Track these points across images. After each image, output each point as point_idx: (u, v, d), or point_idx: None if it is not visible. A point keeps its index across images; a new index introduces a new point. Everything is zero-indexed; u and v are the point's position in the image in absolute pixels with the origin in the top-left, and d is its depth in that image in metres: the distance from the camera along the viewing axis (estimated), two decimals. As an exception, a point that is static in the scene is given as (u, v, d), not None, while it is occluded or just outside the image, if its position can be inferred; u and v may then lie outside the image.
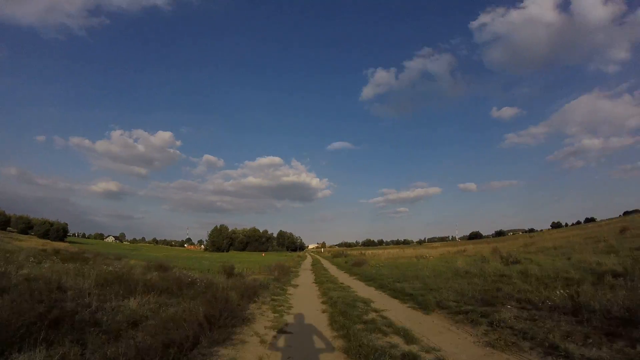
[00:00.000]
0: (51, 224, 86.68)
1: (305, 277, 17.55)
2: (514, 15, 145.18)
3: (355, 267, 21.80)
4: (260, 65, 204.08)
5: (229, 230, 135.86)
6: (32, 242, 46.15)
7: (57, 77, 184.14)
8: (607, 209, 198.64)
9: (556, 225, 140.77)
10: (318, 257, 53.48)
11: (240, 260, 36.55)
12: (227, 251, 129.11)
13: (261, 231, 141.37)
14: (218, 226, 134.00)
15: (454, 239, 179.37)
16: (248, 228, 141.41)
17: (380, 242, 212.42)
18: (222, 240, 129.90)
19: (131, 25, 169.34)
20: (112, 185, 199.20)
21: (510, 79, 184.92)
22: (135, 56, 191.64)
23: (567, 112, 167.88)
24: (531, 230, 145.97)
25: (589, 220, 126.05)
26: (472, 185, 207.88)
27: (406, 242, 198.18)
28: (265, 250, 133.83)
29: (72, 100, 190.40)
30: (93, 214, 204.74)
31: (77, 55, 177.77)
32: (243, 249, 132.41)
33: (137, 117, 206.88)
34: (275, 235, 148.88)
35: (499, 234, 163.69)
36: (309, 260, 40.99)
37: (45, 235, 78.49)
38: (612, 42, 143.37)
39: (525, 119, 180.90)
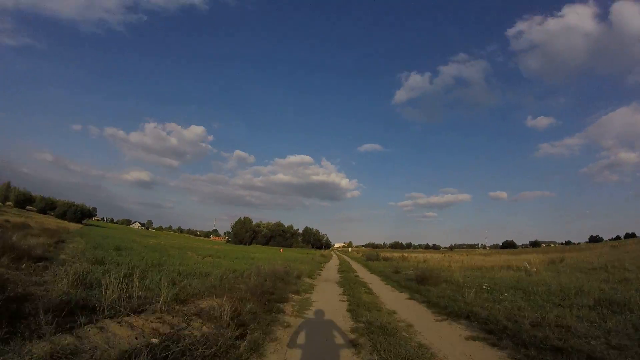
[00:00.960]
0: (71, 206, 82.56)
1: (322, 328, 6.50)
2: (552, 23, 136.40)
3: (427, 288, 10.61)
4: (294, 64, 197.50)
5: (253, 223, 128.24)
6: (34, 220, 38.98)
7: (94, 69, 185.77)
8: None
9: (594, 240, 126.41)
10: (346, 258, 42.77)
11: (245, 255, 26.75)
12: (250, 244, 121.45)
13: (286, 226, 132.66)
14: (242, 218, 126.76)
15: (483, 246, 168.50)
16: (273, 222, 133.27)
17: (409, 245, 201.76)
18: (245, 233, 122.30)
19: (168, 22, 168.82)
20: (144, 175, 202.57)
21: (547, 88, 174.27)
22: (171, 52, 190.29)
23: (604, 124, 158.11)
24: (568, 243, 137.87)
25: (630, 235, 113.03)
26: (502, 194, 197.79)
27: (435, 247, 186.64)
28: (290, 246, 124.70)
29: (108, 92, 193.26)
30: (124, 201, 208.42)
31: (115, 49, 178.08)
32: (266, 243, 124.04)
33: (171, 111, 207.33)
34: (300, 231, 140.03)
35: (534, 244, 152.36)
36: (334, 262, 30.21)
37: (62, 216, 74.16)
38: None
39: (561, 129, 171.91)
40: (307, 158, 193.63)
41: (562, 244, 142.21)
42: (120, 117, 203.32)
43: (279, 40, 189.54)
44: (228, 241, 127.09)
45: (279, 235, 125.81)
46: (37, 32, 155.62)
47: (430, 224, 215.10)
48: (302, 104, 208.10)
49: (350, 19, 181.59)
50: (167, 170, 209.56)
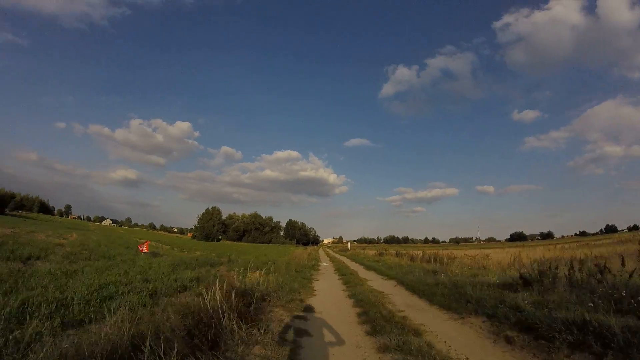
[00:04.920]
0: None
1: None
2: (538, 16, 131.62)
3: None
4: (280, 58, 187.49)
5: (224, 215, 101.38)
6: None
7: (78, 65, 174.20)
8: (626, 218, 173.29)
9: (610, 229, 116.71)
10: (355, 265, 17.66)
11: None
12: (218, 240, 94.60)
13: (264, 217, 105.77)
14: (209, 209, 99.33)
15: (477, 240, 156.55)
16: (248, 214, 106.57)
17: (406, 240, 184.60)
18: (213, 227, 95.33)
19: (153, 15, 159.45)
20: (130, 174, 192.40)
21: (533, 82, 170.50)
22: (156, 47, 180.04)
23: (590, 118, 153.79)
24: (583, 234, 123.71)
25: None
26: (489, 188, 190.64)
27: (435, 241, 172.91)
28: (268, 242, 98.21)
29: (92, 89, 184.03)
30: (111, 200, 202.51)
31: (99, 44, 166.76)
32: (239, 239, 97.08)
33: (156, 107, 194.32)
34: (283, 224, 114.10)
35: (547, 235, 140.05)
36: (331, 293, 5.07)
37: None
38: (637, 47, 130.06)
39: (547, 122, 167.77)
40: (294, 153, 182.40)
41: (576, 234, 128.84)
42: (104, 114, 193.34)
43: (265, 33, 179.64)
44: (194, 237, 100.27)
45: (255, 230, 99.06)
46: (19, 28, 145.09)
47: (418, 219, 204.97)
48: (289, 98, 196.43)
49: (337, 11, 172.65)
50: (154, 168, 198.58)
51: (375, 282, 9.83)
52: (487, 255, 15.12)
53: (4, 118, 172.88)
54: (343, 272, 12.04)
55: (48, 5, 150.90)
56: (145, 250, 12.36)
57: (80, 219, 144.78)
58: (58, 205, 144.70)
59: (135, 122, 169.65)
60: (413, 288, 8.03)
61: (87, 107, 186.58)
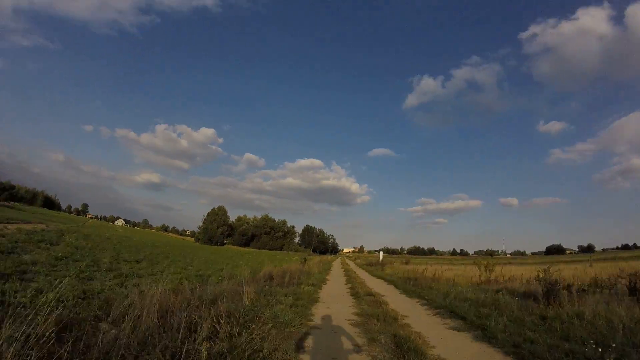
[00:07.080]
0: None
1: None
2: (566, 27, 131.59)
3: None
4: (305, 67, 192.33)
5: (231, 218, 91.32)
6: None
7: (107, 70, 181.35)
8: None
9: None
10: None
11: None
12: (222, 244, 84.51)
13: (276, 221, 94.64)
14: (215, 208, 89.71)
15: (503, 253, 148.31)
16: (259, 217, 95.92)
17: (432, 251, 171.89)
18: (217, 229, 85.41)
19: (181, 24, 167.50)
20: (154, 177, 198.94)
21: (559, 93, 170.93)
22: (183, 54, 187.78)
23: (617, 130, 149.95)
24: (625, 247, 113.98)
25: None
26: (514, 200, 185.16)
27: (464, 254, 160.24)
28: (279, 248, 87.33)
29: (120, 93, 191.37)
30: (134, 202, 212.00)
31: (128, 50, 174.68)
32: (246, 244, 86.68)
33: (182, 113, 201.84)
34: (299, 230, 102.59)
35: (587, 249, 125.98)
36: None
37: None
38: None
39: (573, 134, 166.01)
40: (317, 162, 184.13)
41: (618, 247, 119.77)
42: (131, 118, 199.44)
43: (291, 43, 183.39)
44: (197, 240, 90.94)
45: (265, 234, 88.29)
46: (51, 33, 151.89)
47: (439, 230, 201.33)
48: (313, 107, 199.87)
49: (363, 22, 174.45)
50: (177, 172, 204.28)
51: None
52: None
53: (33, 119, 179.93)
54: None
55: (79, 12, 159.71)
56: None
57: (97, 218, 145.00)
58: (76, 204, 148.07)
59: (160, 127, 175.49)
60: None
61: (114, 111, 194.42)
